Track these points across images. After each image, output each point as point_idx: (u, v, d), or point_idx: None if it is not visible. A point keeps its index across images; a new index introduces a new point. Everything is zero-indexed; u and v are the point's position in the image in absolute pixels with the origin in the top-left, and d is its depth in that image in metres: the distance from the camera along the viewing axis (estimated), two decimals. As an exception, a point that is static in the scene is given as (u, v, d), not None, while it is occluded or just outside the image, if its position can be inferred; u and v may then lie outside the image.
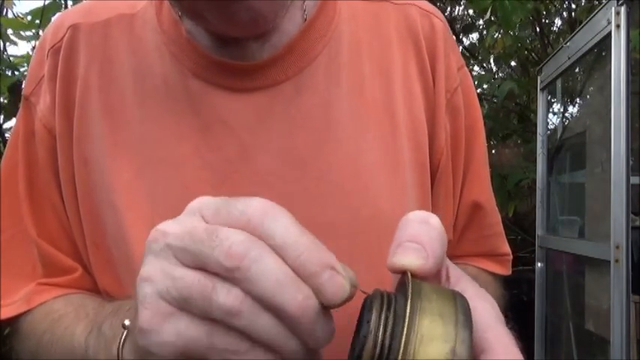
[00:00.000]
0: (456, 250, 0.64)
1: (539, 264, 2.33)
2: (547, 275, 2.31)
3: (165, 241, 0.29)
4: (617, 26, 1.61)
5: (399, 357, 0.25)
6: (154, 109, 0.53)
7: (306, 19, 0.55)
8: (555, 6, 3.44)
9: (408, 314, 0.26)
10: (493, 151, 3.79)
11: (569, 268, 2.22)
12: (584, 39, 1.88)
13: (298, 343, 0.29)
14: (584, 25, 1.89)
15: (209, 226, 0.29)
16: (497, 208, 0.66)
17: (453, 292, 0.29)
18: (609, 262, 1.59)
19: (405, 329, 0.26)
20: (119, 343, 0.36)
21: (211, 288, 0.28)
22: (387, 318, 0.27)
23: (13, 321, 0.55)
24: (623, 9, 1.61)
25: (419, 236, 0.30)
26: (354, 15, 0.58)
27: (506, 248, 0.66)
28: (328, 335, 0.29)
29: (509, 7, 2.41)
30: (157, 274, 0.29)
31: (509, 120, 3.28)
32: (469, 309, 0.27)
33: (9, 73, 1.58)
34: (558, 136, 2.49)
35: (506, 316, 0.63)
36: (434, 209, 0.58)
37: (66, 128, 0.54)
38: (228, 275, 0.27)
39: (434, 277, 0.31)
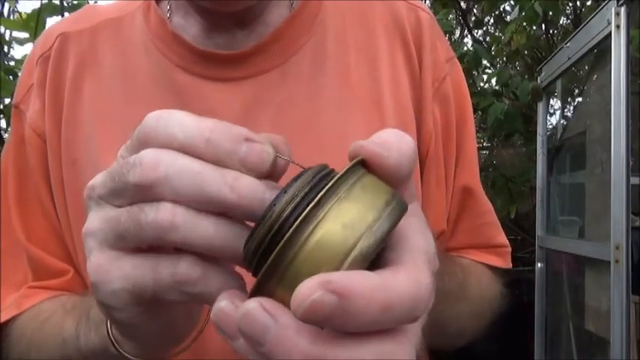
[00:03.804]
0: (450, 243, 0.64)
1: (539, 264, 2.33)
2: (547, 275, 2.31)
3: (94, 193, 0.29)
4: (617, 26, 1.61)
5: (299, 221, 0.23)
6: (141, 106, 0.53)
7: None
8: (562, 5, 3.44)
9: (329, 185, 0.24)
10: (495, 152, 3.78)
11: (569, 269, 2.22)
12: (584, 39, 1.88)
13: None
14: (584, 25, 1.89)
15: (120, 158, 0.28)
16: (487, 199, 0.65)
17: (394, 192, 0.26)
18: (609, 262, 1.59)
19: (318, 198, 0.23)
20: (107, 324, 0.36)
21: (138, 211, 0.26)
22: (314, 185, 0.25)
23: (4, 326, 0.55)
24: (623, 9, 1.61)
25: (388, 141, 0.27)
26: (341, 9, 0.59)
27: (502, 239, 0.66)
28: None
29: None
30: (95, 224, 0.28)
31: (516, 120, 3.26)
32: (401, 214, 0.25)
33: (11, 78, 1.57)
34: (558, 136, 2.49)
35: (506, 317, 0.63)
36: (425, 197, 0.58)
37: (55, 132, 0.55)
38: (151, 194, 0.26)
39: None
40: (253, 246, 0.25)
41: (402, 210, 0.25)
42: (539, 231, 2.35)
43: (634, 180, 1.71)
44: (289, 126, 0.53)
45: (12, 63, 1.72)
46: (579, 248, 1.97)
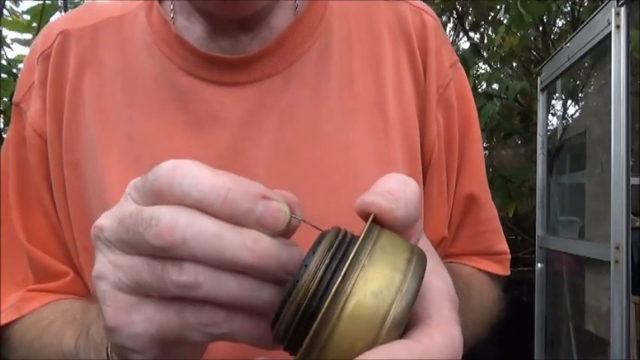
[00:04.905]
0: (451, 249, 0.63)
1: (539, 265, 2.33)
2: (547, 276, 2.31)
3: (103, 236, 0.29)
4: (617, 27, 1.61)
5: (329, 299, 0.24)
6: (144, 107, 0.53)
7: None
8: (558, 6, 3.44)
9: (352, 256, 0.24)
10: (494, 152, 3.79)
11: (569, 269, 2.22)
12: (584, 39, 1.88)
13: (272, 288, 0.28)
14: (584, 25, 1.89)
15: (133, 210, 0.28)
16: (493, 205, 0.65)
17: (412, 247, 0.27)
18: (609, 262, 1.59)
19: (344, 271, 0.24)
20: (107, 348, 0.36)
21: (161, 268, 0.27)
22: (333, 255, 0.25)
23: (3, 329, 0.55)
24: (623, 9, 1.61)
25: (394, 190, 0.28)
26: (346, 11, 0.58)
27: (504, 246, 0.65)
28: (299, 261, 0.27)
29: (523, 7, 2.42)
30: (107, 268, 0.28)
31: (512, 120, 3.28)
32: (423, 269, 0.26)
33: (8, 78, 1.57)
34: (558, 136, 2.49)
35: (506, 317, 0.63)
36: (427, 204, 0.58)
37: (56, 132, 0.54)
38: (170, 254, 0.26)
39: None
40: (283, 325, 0.25)
41: (423, 265, 0.26)
42: (539, 231, 2.35)
43: (634, 180, 1.72)
44: (293, 131, 0.52)
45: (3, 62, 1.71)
46: (579, 248, 1.97)
